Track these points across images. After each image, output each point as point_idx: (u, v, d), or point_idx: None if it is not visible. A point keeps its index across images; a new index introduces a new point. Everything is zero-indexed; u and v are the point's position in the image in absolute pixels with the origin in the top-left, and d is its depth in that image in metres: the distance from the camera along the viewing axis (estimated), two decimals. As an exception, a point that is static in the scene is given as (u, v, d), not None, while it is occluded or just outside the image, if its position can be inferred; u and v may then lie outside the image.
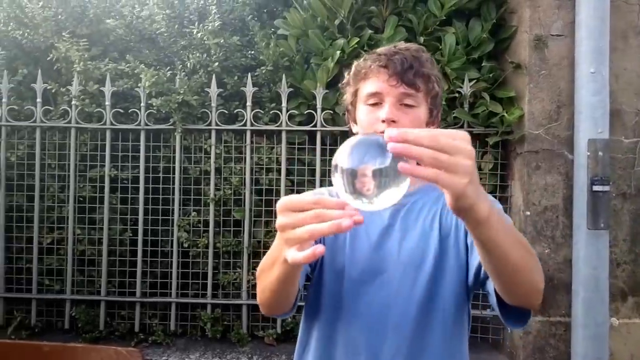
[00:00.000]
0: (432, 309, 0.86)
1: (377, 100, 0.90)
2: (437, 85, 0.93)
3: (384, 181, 0.58)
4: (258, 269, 0.81)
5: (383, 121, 0.87)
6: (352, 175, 0.59)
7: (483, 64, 2.47)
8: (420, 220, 0.91)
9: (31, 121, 2.59)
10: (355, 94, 0.95)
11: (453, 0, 2.43)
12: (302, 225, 0.58)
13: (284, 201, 0.60)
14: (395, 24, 2.46)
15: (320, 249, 0.57)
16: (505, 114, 2.33)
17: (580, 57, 2.26)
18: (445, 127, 2.41)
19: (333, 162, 0.61)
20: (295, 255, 0.59)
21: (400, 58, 0.89)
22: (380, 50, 0.94)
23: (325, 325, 0.89)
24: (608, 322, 2.17)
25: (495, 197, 2.45)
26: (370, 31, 2.51)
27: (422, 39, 2.48)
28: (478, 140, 2.46)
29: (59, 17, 2.71)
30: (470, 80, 2.41)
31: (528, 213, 2.31)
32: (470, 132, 2.39)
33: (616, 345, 2.27)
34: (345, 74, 0.99)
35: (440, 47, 2.46)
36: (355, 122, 0.98)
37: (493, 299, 0.78)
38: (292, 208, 0.60)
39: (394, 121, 0.87)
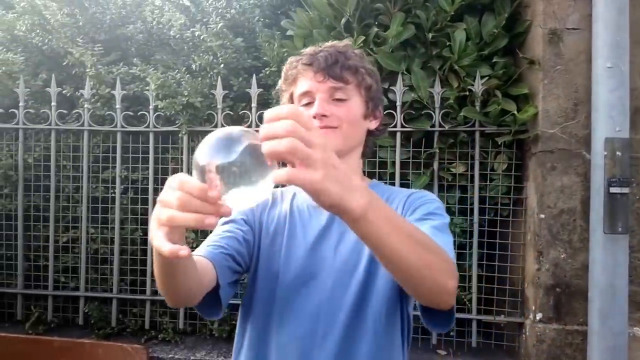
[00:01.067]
0: (362, 316, 0.86)
1: (309, 100, 0.92)
2: (369, 77, 0.94)
3: (232, 179, 0.54)
4: None
5: (314, 117, 0.88)
6: (202, 172, 0.56)
7: (496, 61, 2.44)
8: None
9: (46, 124, 2.76)
10: (290, 99, 0.97)
11: (464, -5, 2.41)
12: (167, 207, 0.55)
13: (173, 178, 0.59)
14: (402, 20, 2.46)
15: (184, 252, 0.54)
16: (515, 113, 2.29)
17: (597, 51, 2.18)
18: (455, 127, 2.41)
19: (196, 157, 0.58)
20: (160, 243, 0.56)
21: (324, 55, 0.92)
22: (305, 51, 0.97)
23: (258, 329, 0.91)
24: (626, 332, 2.10)
25: (509, 199, 2.44)
26: (376, 29, 2.52)
27: (430, 36, 2.47)
28: (491, 140, 2.43)
29: (79, 23, 2.88)
30: (482, 77, 2.39)
31: (542, 216, 2.27)
32: (482, 132, 2.40)
33: (638, 356, 2.19)
34: (279, 82, 1.02)
35: (449, 43, 2.45)
36: None
37: (419, 304, 0.79)
38: (172, 186, 0.57)
39: (324, 115, 0.89)
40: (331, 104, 0.91)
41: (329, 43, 0.99)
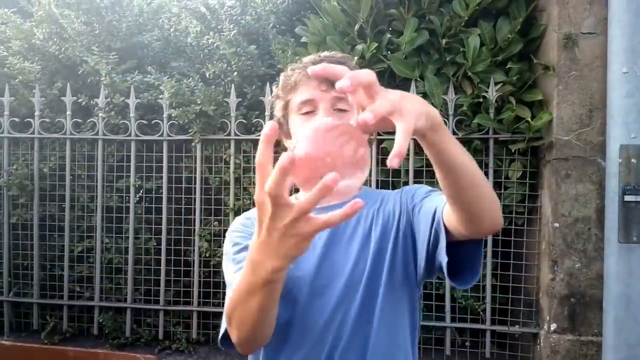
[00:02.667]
0: (370, 315, 0.98)
1: (310, 108, 0.99)
2: None
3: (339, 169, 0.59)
4: (227, 308, 0.84)
5: None
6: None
7: (510, 66, 2.66)
8: (360, 227, 1.02)
9: (62, 133, 3.09)
10: (286, 106, 1.04)
11: (478, 0, 2.64)
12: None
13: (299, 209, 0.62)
14: (415, 26, 2.71)
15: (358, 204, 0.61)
16: (529, 120, 2.52)
17: (612, 56, 2.40)
18: (468, 134, 2.64)
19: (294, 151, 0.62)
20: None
21: (327, 64, 1.03)
22: (306, 59, 1.05)
23: (273, 346, 0.97)
24: (642, 342, 2.30)
25: (524, 207, 2.66)
26: (390, 35, 2.78)
27: (444, 41, 2.71)
28: (505, 147, 2.66)
29: (95, 31, 3.22)
30: (496, 83, 2.61)
31: (557, 225, 2.48)
32: (496, 139, 2.63)
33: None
34: (274, 88, 1.10)
35: (463, 49, 2.68)
36: (287, 136, 1.06)
37: (444, 262, 0.88)
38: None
39: None
40: (333, 114, 0.98)
41: (327, 53, 1.06)
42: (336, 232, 1.02)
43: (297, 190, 0.79)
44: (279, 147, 0.93)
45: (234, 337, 0.84)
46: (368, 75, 0.62)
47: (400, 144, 0.59)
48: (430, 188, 1.03)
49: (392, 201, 1.05)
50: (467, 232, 0.84)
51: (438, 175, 0.77)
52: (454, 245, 0.88)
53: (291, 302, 0.97)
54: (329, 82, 0.95)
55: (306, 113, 1.00)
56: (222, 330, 0.92)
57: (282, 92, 1.05)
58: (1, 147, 3.14)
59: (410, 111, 0.62)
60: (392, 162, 0.58)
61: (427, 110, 0.67)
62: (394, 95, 0.63)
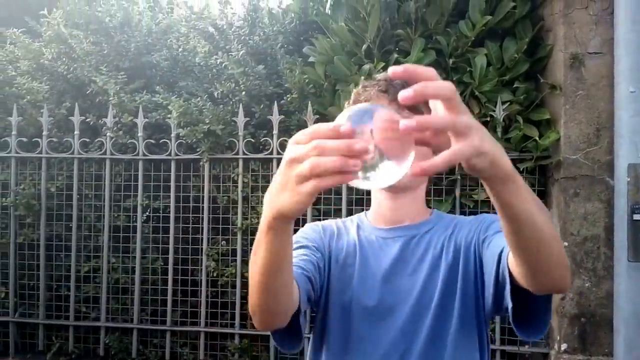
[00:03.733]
0: (439, 345, 0.98)
1: None
2: None
3: (383, 147, 0.58)
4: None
5: None
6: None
7: (517, 86, 2.78)
8: (429, 253, 1.02)
9: (69, 153, 3.20)
10: None
11: (485, 20, 2.77)
12: (304, 160, 0.59)
13: (295, 136, 0.62)
14: (422, 46, 2.84)
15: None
16: (537, 139, 2.63)
17: (619, 75, 2.51)
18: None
19: None
20: (306, 188, 0.59)
21: (401, 82, 0.96)
22: (379, 76, 1.07)
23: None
24: (653, 362, 2.38)
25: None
26: (397, 55, 2.91)
27: (451, 61, 2.84)
28: (513, 166, 2.75)
29: (104, 51, 3.35)
30: (503, 103, 2.72)
31: (566, 243, 2.57)
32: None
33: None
34: (346, 104, 1.12)
35: (470, 69, 2.81)
36: None
37: (510, 308, 0.85)
38: (299, 141, 0.61)
39: None
40: None
41: None
42: (402, 258, 1.03)
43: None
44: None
45: (249, 304, 0.83)
46: (441, 88, 0.57)
47: (436, 161, 0.56)
48: None
49: (467, 229, 1.03)
50: (527, 285, 0.78)
51: (501, 222, 0.71)
52: (522, 290, 0.81)
53: (347, 323, 1.00)
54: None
55: None
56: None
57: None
58: (9, 166, 3.25)
59: (474, 141, 0.58)
60: (415, 170, 0.57)
61: (496, 155, 0.60)
62: (469, 118, 0.59)
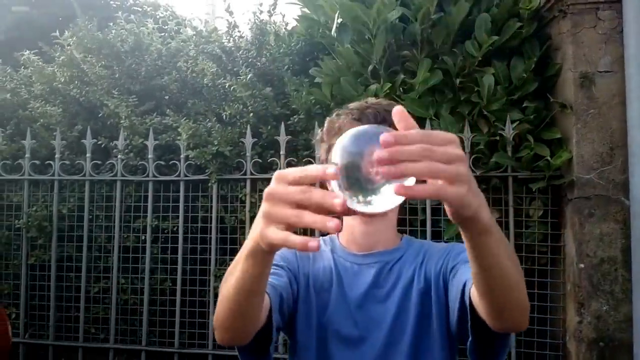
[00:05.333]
0: None
1: None
2: None
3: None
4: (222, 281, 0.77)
5: None
6: (355, 165, 0.56)
7: (527, 105, 2.58)
8: (402, 280, 0.98)
9: (81, 175, 3.04)
10: (329, 150, 1.00)
11: (491, 40, 2.58)
12: (289, 201, 0.57)
13: (279, 172, 0.60)
14: (428, 66, 2.65)
15: (314, 243, 0.54)
16: (549, 158, 2.42)
17: (631, 93, 2.30)
18: (486, 172, 2.55)
19: (332, 161, 0.58)
20: (284, 236, 0.56)
21: (373, 112, 0.97)
22: (352, 105, 1.03)
23: None
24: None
25: (546, 247, 2.53)
26: (403, 76, 2.73)
27: (458, 81, 2.65)
28: (525, 185, 2.55)
29: (115, 75, 3.22)
30: (512, 121, 2.52)
31: (582, 265, 2.34)
32: (515, 177, 2.52)
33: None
34: (319, 131, 1.08)
35: (478, 88, 2.62)
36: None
37: (469, 341, 0.83)
38: (285, 179, 0.58)
39: None
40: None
41: (374, 99, 1.04)
42: (376, 284, 0.99)
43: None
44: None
45: (215, 317, 0.78)
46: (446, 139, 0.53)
47: (418, 190, 0.53)
48: None
49: (436, 258, 0.99)
50: (488, 322, 0.77)
51: (471, 266, 0.69)
52: (482, 325, 0.79)
53: (323, 350, 0.96)
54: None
55: None
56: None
57: (327, 136, 1.03)
58: (21, 189, 3.10)
59: (462, 191, 0.54)
60: (397, 187, 0.53)
61: (480, 207, 0.57)
62: (465, 167, 0.55)
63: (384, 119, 0.96)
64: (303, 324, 0.99)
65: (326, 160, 1.03)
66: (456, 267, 0.92)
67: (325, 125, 1.04)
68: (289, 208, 0.57)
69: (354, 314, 0.97)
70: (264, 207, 0.60)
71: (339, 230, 0.54)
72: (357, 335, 0.96)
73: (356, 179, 0.56)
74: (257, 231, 0.61)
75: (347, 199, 0.55)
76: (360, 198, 0.56)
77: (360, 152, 0.56)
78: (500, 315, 0.75)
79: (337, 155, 0.58)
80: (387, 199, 0.56)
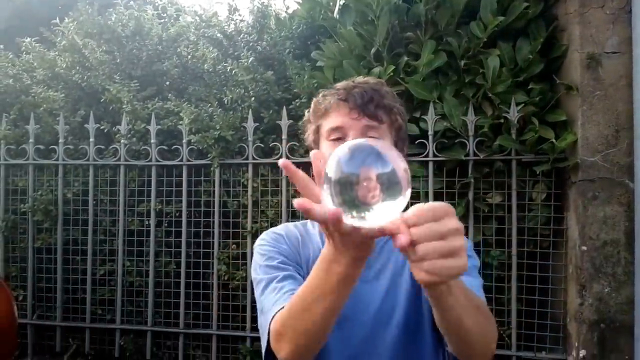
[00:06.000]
0: (405, 354, 0.92)
1: (339, 135, 0.93)
2: (400, 117, 0.98)
3: (385, 190, 0.55)
4: (283, 317, 0.77)
5: None
6: (350, 184, 0.55)
7: (532, 87, 2.49)
8: (392, 260, 0.96)
9: (85, 159, 2.98)
10: (317, 131, 0.99)
11: (496, 21, 2.47)
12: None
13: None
14: (432, 48, 2.56)
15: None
16: (554, 140, 2.34)
17: (638, 75, 2.22)
18: (490, 156, 2.47)
19: (324, 172, 0.58)
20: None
21: (360, 91, 0.94)
22: (338, 85, 0.99)
23: None
24: (679, 373, 2.09)
25: (549, 230, 2.46)
26: (406, 58, 2.63)
27: (463, 63, 2.55)
28: (528, 168, 2.48)
29: (116, 60, 3.13)
30: (517, 104, 2.44)
31: (585, 248, 2.28)
32: (519, 161, 2.45)
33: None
34: (305, 112, 1.05)
35: (483, 70, 2.52)
36: None
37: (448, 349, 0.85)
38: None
39: None
40: None
41: (361, 78, 1.00)
42: (367, 263, 0.94)
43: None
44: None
45: (285, 350, 0.78)
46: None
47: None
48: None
49: None
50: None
51: (434, 313, 0.72)
52: None
53: None
54: (360, 109, 0.92)
55: (335, 139, 0.94)
56: (264, 347, 0.86)
57: (313, 117, 1.00)
58: (26, 173, 3.05)
59: (463, 262, 0.57)
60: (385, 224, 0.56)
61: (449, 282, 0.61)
62: (462, 239, 0.58)
63: (371, 99, 0.94)
64: None
65: (314, 142, 1.01)
66: None
67: (312, 106, 1.01)
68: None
69: None
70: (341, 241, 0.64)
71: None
72: (346, 314, 0.89)
73: (350, 198, 0.55)
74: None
75: (340, 212, 0.55)
76: (354, 213, 0.56)
77: (356, 172, 0.55)
78: (460, 353, 0.78)
79: (332, 169, 0.57)
80: (381, 216, 0.56)
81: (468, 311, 0.69)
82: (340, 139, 0.93)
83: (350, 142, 0.59)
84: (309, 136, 1.03)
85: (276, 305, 0.85)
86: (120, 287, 2.92)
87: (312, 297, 0.71)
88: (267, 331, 0.84)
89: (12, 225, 3.07)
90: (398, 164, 0.56)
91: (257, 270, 0.96)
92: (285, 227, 1.05)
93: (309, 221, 1.07)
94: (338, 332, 0.90)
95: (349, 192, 0.55)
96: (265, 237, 1.02)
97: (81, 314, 3.00)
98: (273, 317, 0.82)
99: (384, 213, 0.55)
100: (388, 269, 0.95)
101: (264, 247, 0.98)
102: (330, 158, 0.58)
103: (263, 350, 0.86)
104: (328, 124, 0.96)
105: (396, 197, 0.55)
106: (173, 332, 2.90)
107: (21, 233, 3.09)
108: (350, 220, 0.56)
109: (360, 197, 0.55)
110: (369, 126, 0.92)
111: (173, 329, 2.88)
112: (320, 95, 1.00)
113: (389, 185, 0.55)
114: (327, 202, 0.57)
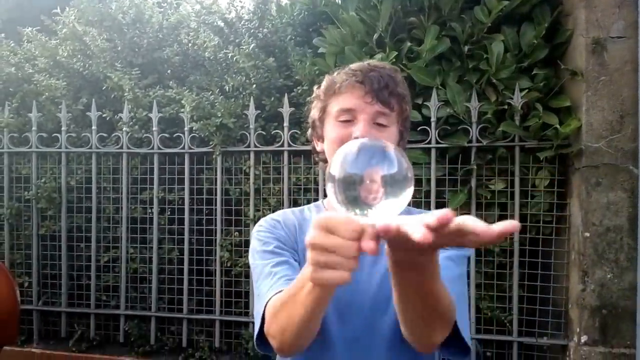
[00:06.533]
0: (403, 342, 0.87)
1: (349, 117, 0.90)
2: (408, 107, 0.96)
3: (389, 189, 0.55)
4: (273, 304, 0.78)
5: (356, 138, 0.86)
6: (354, 184, 0.56)
7: (536, 72, 2.42)
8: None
9: (87, 147, 2.94)
10: (324, 109, 0.95)
11: (501, 5, 2.40)
12: (338, 253, 0.56)
13: (323, 220, 0.57)
14: (436, 33, 2.49)
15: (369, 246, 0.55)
16: (557, 126, 2.28)
17: (645, 60, 2.16)
18: (493, 142, 2.41)
19: (328, 170, 0.58)
20: (331, 275, 0.57)
21: (377, 75, 0.90)
22: (354, 66, 0.94)
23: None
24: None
25: (551, 216, 2.42)
26: (409, 43, 2.56)
27: (466, 48, 2.48)
28: (532, 155, 2.42)
29: (117, 48, 3.07)
30: (521, 90, 2.38)
31: (587, 234, 2.23)
32: (522, 147, 2.39)
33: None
34: (315, 88, 1.00)
35: (486, 55, 2.46)
36: (320, 139, 0.97)
37: None
38: (329, 229, 0.56)
39: None
40: (373, 127, 0.89)
41: (378, 62, 0.97)
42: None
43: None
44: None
45: (276, 339, 0.78)
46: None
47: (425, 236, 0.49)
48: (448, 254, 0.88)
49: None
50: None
51: (395, 296, 0.71)
52: None
53: None
54: (375, 94, 0.89)
55: (344, 121, 0.91)
56: (256, 332, 0.85)
57: (324, 94, 0.95)
58: (30, 161, 3.01)
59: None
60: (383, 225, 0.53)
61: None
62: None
63: (387, 85, 0.90)
64: None
65: (319, 119, 0.97)
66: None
67: (325, 82, 0.96)
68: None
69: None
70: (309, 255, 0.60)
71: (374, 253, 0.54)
72: (342, 304, 0.90)
73: (353, 197, 0.56)
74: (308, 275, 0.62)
75: (344, 209, 0.56)
76: (357, 211, 0.57)
77: (360, 173, 0.56)
78: (409, 335, 0.79)
79: (337, 168, 0.57)
80: (384, 213, 0.56)
81: (416, 307, 0.70)
82: (350, 122, 0.91)
83: (356, 141, 0.60)
84: (314, 113, 0.98)
85: (271, 290, 0.84)
86: (124, 274, 2.90)
87: (292, 294, 0.72)
88: (261, 316, 0.83)
89: (17, 213, 3.04)
90: (402, 163, 0.57)
91: (254, 255, 0.94)
92: (282, 213, 1.02)
93: (306, 207, 1.05)
94: (339, 317, 0.90)
95: (353, 192, 0.56)
96: (262, 223, 0.99)
97: (86, 300, 2.98)
98: (267, 302, 0.82)
99: (387, 210, 0.56)
100: (383, 256, 0.91)
101: (260, 233, 0.96)
102: (335, 157, 0.58)
103: (255, 334, 0.86)
104: (339, 104, 0.92)
105: (398, 195, 0.56)
106: (177, 318, 2.88)
107: (25, 220, 3.06)
108: (353, 217, 0.56)
109: (363, 197, 0.56)
110: (380, 112, 0.90)
111: (177, 315, 2.86)
112: (335, 73, 0.96)
113: (394, 186, 0.56)
114: (331, 200, 0.58)
